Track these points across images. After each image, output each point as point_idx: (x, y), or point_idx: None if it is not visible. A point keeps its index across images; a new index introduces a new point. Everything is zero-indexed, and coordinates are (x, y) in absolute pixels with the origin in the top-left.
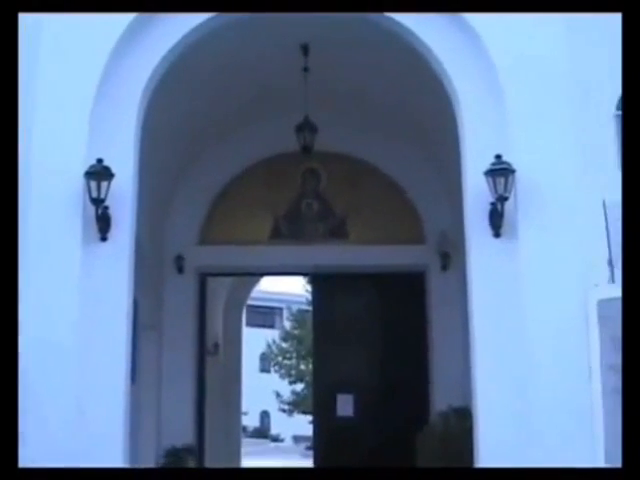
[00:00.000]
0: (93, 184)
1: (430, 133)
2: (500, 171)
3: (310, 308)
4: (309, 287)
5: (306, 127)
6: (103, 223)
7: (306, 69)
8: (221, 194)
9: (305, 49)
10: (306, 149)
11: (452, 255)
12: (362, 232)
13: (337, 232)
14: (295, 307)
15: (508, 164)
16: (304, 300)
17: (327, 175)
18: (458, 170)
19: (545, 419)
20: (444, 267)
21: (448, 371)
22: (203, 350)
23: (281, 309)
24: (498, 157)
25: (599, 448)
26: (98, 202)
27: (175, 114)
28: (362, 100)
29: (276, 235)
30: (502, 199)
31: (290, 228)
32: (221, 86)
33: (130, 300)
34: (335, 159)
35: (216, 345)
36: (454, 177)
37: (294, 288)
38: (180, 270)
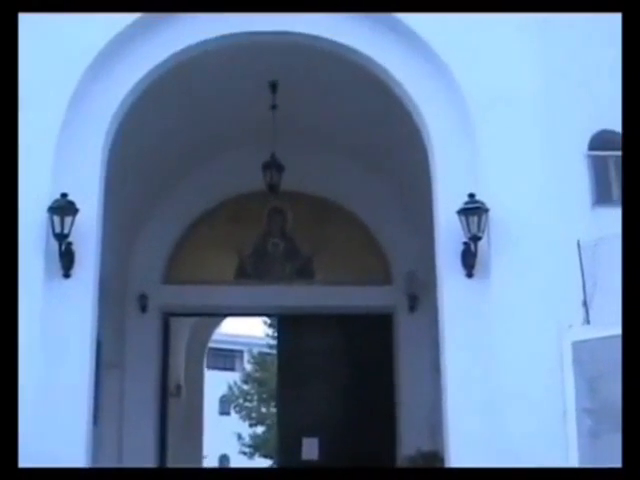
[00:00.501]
0: (56, 219)
1: (398, 172)
2: (473, 210)
3: (271, 351)
4: (270, 330)
5: (273, 166)
6: (67, 259)
7: (274, 107)
8: (186, 232)
9: (274, 86)
10: (272, 188)
11: (420, 296)
12: (329, 272)
13: (303, 272)
14: (256, 350)
15: (481, 203)
16: (265, 343)
17: (293, 214)
18: (427, 209)
19: (519, 462)
20: (412, 308)
21: (416, 414)
22: (166, 391)
23: (241, 352)
24: (471, 196)
25: None
26: (62, 237)
27: (141, 149)
28: (329, 138)
29: (241, 275)
30: (475, 238)
31: (256, 268)
32: (188, 122)
33: (94, 339)
34: (301, 198)
35: (178, 387)
36: (422, 217)
37: (255, 330)
38: (143, 309)
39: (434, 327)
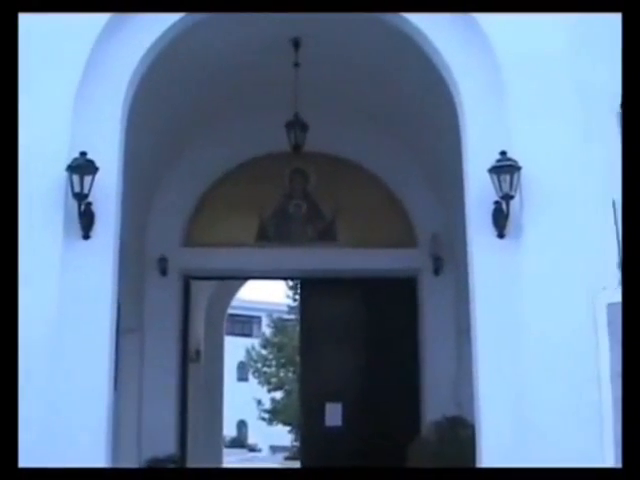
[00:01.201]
0: (76, 178)
1: (423, 133)
2: (505, 168)
3: (291, 316)
4: (290, 294)
5: (296, 124)
6: (86, 220)
7: (297, 64)
8: (206, 194)
9: (296, 43)
10: (296, 147)
11: (445, 259)
12: (351, 235)
13: (325, 235)
14: (275, 315)
15: (514, 161)
16: (284, 308)
17: (316, 176)
18: (452, 171)
19: (551, 426)
20: (436, 271)
21: (441, 379)
22: (186, 356)
23: (259, 318)
24: (503, 154)
25: (609, 456)
26: (81, 197)
27: (160, 109)
28: (352, 99)
29: (263, 237)
30: (507, 197)
31: (277, 230)
32: (207, 82)
33: (114, 302)
34: (324, 159)
35: (198, 352)
36: (448, 178)
37: (274, 296)
38: (163, 272)
39: (459, 290)
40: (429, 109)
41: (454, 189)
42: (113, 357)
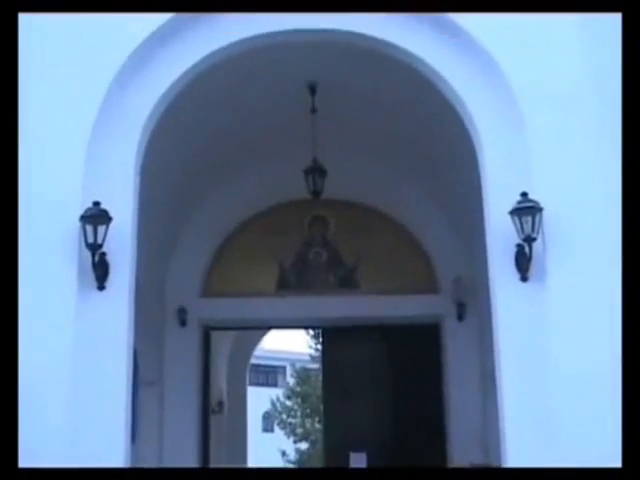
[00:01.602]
0: (89, 228)
1: (442, 176)
2: (527, 210)
3: (314, 365)
4: (313, 343)
5: (315, 170)
6: (100, 270)
7: (314, 110)
8: (225, 243)
9: (312, 89)
10: (315, 193)
11: (468, 304)
12: (373, 282)
13: (347, 282)
14: (299, 365)
15: (535, 202)
16: (307, 358)
17: (335, 222)
18: (473, 213)
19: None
20: (460, 317)
21: (467, 426)
22: (207, 408)
23: (284, 367)
24: (524, 195)
25: None
26: (95, 248)
27: (176, 157)
28: (371, 144)
29: (283, 286)
30: (530, 240)
31: (298, 278)
32: (223, 127)
33: (130, 354)
34: (343, 206)
35: (220, 403)
36: (469, 220)
37: (297, 345)
38: (183, 323)
39: (483, 336)
40: (449, 152)
41: (476, 232)
42: (130, 409)
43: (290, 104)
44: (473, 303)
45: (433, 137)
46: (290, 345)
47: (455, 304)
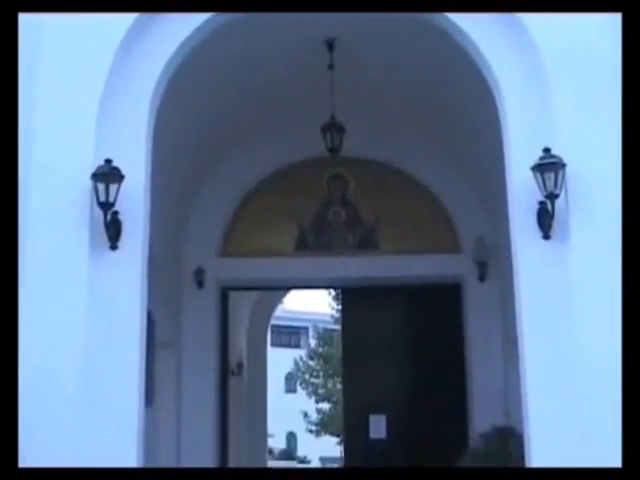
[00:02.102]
0: (101, 187)
1: (465, 135)
2: (549, 165)
3: (336, 326)
4: (335, 304)
5: (332, 127)
6: (113, 230)
7: (331, 66)
8: (243, 203)
9: (330, 45)
10: (333, 150)
11: (490, 264)
12: (393, 241)
13: (367, 242)
14: (321, 326)
15: (558, 158)
16: (329, 319)
17: (355, 181)
18: (494, 170)
19: (603, 437)
20: (482, 277)
21: (489, 388)
22: (226, 370)
23: (306, 328)
24: (547, 150)
25: None
26: (107, 207)
27: (190, 116)
28: (390, 102)
29: (302, 246)
30: (552, 196)
31: (317, 238)
32: (239, 86)
33: (144, 315)
34: (362, 164)
35: (240, 365)
36: (489, 178)
37: (319, 307)
38: (200, 284)
39: (505, 297)
40: (471, 111)
41: (498, 191)
42: (143, 372)
43: (307, 60)
44: (495, 263)
45: (454, 100)
46: (312, 306)
47: (477, 264)
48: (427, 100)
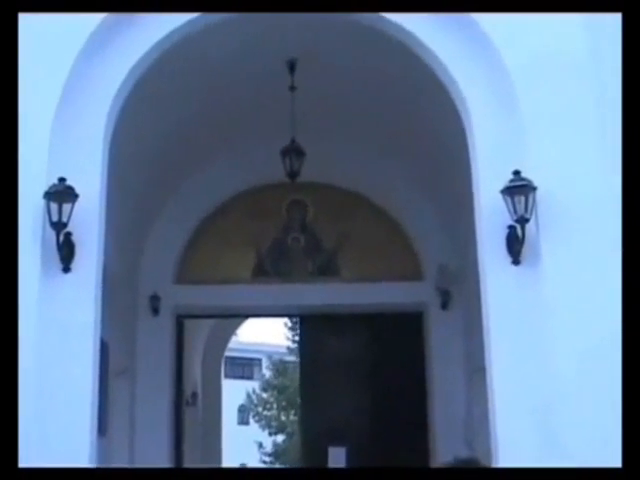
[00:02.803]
0: (54, 206)
1: (425, 159)
2: (519, 189)
3: (291, 358)
4: (290, 335)
5: (292, 151)
6: (66, 251)
7: (292, 88)
8: (201, 228)
9: (292, 65)
10: (292, 175)
11: (453, 291)
12: (354, 268)
13: (327, 269)
14: (276, 357)
15: (528, 181)
16: (284, 350)
17: (314, 207)
18: (460, 196)
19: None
20: (444, 305)
21: (451, 418)
22: (180, 399)
23: (260, 360)
24: (516, 173)
25: None
26: (59, 227)
27: (148, 133)
28: (351, 125)
29: (260, 273)
30: (522, 220)
31: (275, 265)
32: (198, 107)
33: (97, 341)
34: (323, 189)
35: (194, 395)
36: (455, 205)
37: (274, 338)
38: (155, 311)
39: (469, 326)
40: (437, 132)
41: (463, 217)
42: (97, 401)
43: (268, 82)
44: (459, 291)
45: (417, 118)
46: (267, 337)
47: (439, 292)
48: (390, 121)
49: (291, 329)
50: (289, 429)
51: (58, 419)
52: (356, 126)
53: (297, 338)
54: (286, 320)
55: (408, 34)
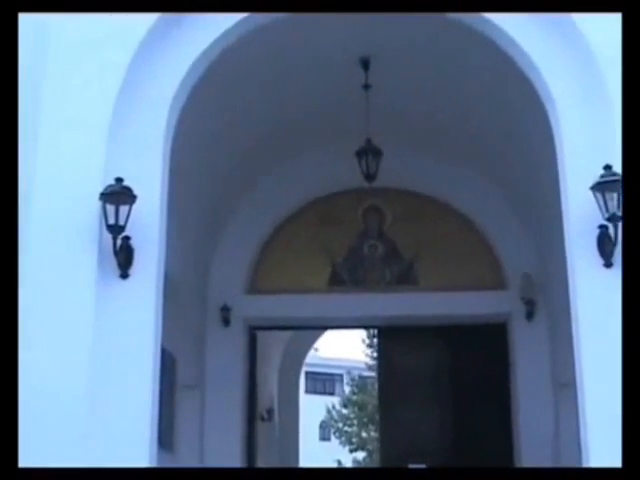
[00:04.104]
0: (110, 208)
1: (511, 159)
2: (612, 184)
3: (370, 373)
4: (369, 351)
5: (369, 151)
6: (123, 256)
7: (367, 86)
8: (273, 236)
9: (365, 63)
10: (369, 177)
11: (538, 302)
12: (434, 277)
13: (405, 277)
14: (355, 372)
15: (621, 176)
16: (363, 366)
17: (392, 213)
18: (542, 201)
19: None
20: (529, 315)
21: (537, 435)
22: (254, 415)
23: (341, 375)
24: (608, 168)
25: None
26: (117, 230)
27: (217, 135)
28: (430, 126)
29: (335, 282)
30: (615, 219)
31: (351, 274)
32: (268, 107)
33: (157, 351)
34: (400, 195)
35: (270, 410)
36: (537, 210)
37: (353, 354)
38: (226, 322)
39: (555, 337)
40: (522, 134)
41: (546, 222)
42: (156, 413)
43: (341, 80)
44: (544, 301)
45: (500, 120)
46: (347, 353)
47: (524, 302)
48: (471, 122)
49: (369, 346)
50: (370, 446)
51: (114, 433)
52: (436, 130)
53: (375, 354)
54: (364, 337)
55: (490, 25)
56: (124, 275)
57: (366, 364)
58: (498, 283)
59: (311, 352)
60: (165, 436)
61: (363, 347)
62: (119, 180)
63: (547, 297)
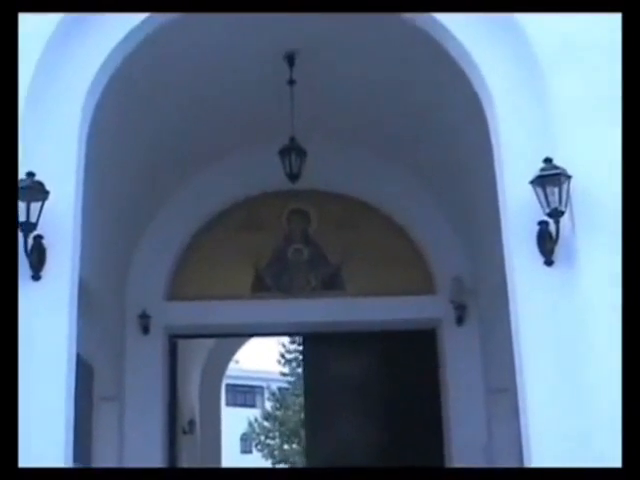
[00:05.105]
0: (21, 205)
1: (436, 163)
2: (552, 178)
3: (288, 384)
4: (285, 369)
5: (292, 150)
6: (35, 257)
7: (292, 82)
8: (194, 240)
9: (290, 59)
10: (293, 177)
11: (469, 305)
12: (361, 282)
13: (331, 283)
14: (275, 386)
15: (562, 169)
16: (281, 377)
17: (318, 216)
18: (474, 202)
19: None
20: (460, 320)
21: (470, 445)
22: (175, 427)
23: (261, 387)
24: (548, 161)
25: None
26: (28, 228)
27: (133, 134)
28: (356, 129)
29: (259, 288)
30: (556, 214)
31: (275, 279)
32: (185, 106)
33: (72, 359)
34: (325, 197)
35: (192, 422)
36: (468, 211)
37: (273, 365)
38: (145, 330)
39: (486, 342)
40: (449, 136)
41: (479, 225)
42: (71, 426)
43: (264, 77)
44: (474, 306)
45: (428, 119)
46: (266, 364)
47: (454, 306)
48: (399, 125)
49: (286, 353)
50: (292, 459)
51: (24, 447)
52: (363, 129)
53: (291, 358)
54: (282, 349)
55: (429, 20)
56: (36, 277)
57: (281, 373)
58: (428, 288)
59: (231, 364)
60: (82, 450)
61: (281, 350)
62: (30, 174)
63: (478, 302)
